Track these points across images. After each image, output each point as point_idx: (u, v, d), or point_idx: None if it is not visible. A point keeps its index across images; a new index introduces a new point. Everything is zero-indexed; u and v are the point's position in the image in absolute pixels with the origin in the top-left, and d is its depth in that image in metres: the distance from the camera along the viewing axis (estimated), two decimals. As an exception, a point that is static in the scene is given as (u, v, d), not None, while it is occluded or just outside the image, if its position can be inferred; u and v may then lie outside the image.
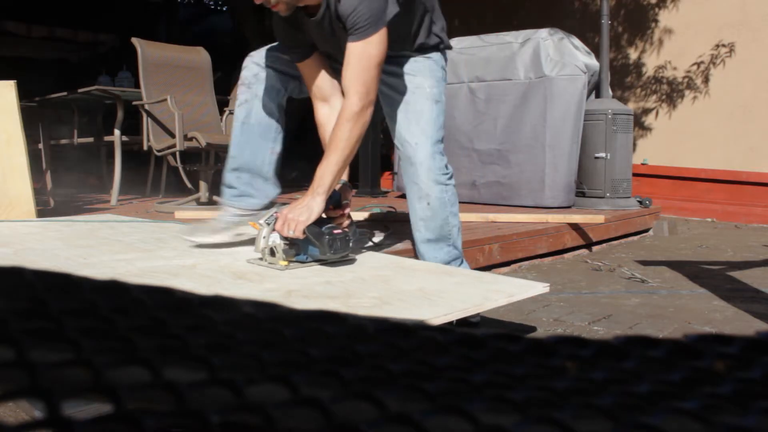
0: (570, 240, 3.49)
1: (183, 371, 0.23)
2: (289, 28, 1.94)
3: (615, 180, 4.30)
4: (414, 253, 2.32)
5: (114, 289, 0.29)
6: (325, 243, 1.75)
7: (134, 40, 3.94)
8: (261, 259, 1.83)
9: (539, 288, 1.67)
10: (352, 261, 1.89)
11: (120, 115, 4.26)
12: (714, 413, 0.22)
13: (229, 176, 2.15)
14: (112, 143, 4.31)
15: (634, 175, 4.66)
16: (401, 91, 2.03)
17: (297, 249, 1.81)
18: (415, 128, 2.00)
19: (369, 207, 3.67)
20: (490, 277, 1.89)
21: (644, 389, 0.23)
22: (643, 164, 6.10)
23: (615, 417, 0.21)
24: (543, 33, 4.41)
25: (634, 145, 6.01)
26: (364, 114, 1.80)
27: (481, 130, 4.52)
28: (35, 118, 4.36)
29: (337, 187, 1.90)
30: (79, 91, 4.40)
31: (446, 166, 2.06)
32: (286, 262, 1.78)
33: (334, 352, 0.26)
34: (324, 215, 1.84)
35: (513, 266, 3.10)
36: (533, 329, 2.08)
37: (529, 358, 0.26)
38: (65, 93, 4.66)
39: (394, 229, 2.84)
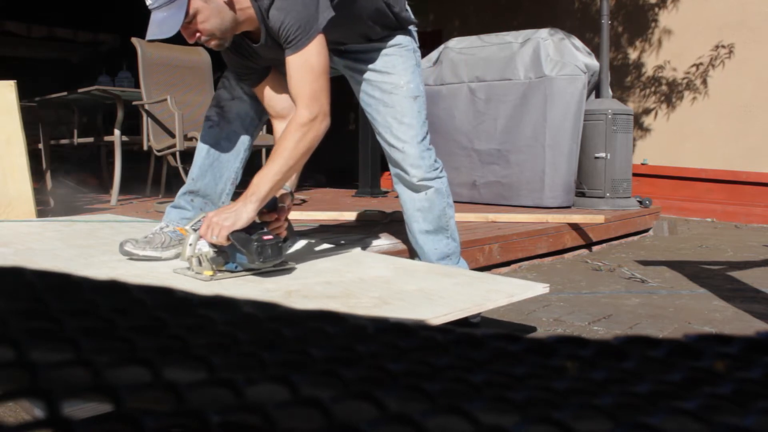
0: (570, 240, 3.49)
1: (183, 371, 0.23)
2: (238, 58, 1.91)
3: (615, 180, 4.30)
4: (409, 253, 2.32)
5: (114, 289, 0.29)
6: (252, 250, 1.62)
7: (134, 40, 3.94)
8: (188, 268, 1.72)
9: (539, 289, 1.68)
10: (289, 270, 1.78)
11: (120, 115, 4.26)
12: (714, 413, 0.22)
13: (181, 198, 2.09)
14: (112, 143, 4.31)
15: (634, 175, 4.66)
16: (378, 92, 2.02)
17: (225, 257, 1.70)
18: (400, 131, 2.01)
19: (362, 211, 3.68)
20: (490, 277, 1.89)
21: (644, 389, 0.23)
22: (643, 164, 6.10)
23: (615, 417, 0.21)
24: (543, 33, 4.41)
25: (634, 145, 6.01)
26: (314, 126, 1.72)
27: (481, 130, 4.52)
28: (35, 118, 4.36)
29: (278, 193, 1.82)
30: (79, 91, 4.40)
31: (435, 160, 2.08)
32: (211, 272, 1.68)
33: (334, 352, 0.26)
34: (258, 219, 1.74)
35: (513, 266, 3.10)
36: (533, 329, 2.08)
37: (529, 358, 0.26)
38: (65, 93, 4.66)
39: (392, 229, 2.84)
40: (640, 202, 4.43)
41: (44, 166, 4.32)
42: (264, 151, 4.72)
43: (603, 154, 4.28)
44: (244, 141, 2.09)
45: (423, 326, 0.29)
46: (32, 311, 0.26)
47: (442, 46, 4.90)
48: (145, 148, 4.06)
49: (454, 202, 4.42)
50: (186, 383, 0.22)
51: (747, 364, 0.25)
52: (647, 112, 6.66)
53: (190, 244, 1.70)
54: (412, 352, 0.26)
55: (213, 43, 1.76)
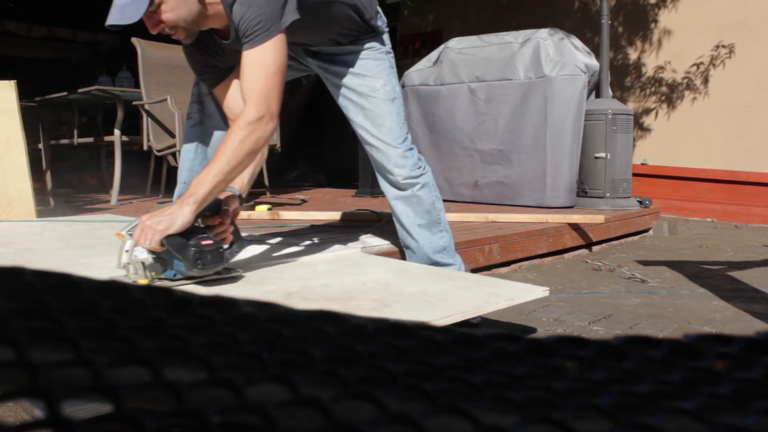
0: (570, 240, 3.49)
1: (183, 371, 0.23)
2: (203, 55, 1.87)
3: (615, 180, 4.30)
4: (400, 254, 2.32)
5: (114, 289, 0.29)
6: (189, 256, 1.53)
7: (134, 40, 3.94)
8: (126, 276, 1.60)
9: (539, 292, 1.68)
10: (236, 278, 1.71)
11: (120, 115, 4.26)
12: (714, 413, 0.22)
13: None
14: (112, 143, 4.31)
15: (634, 175, 4.66)
16: (355, 95, 2.03)
17: (164, 264, 1.60)
18: (380, 134, 2.03)
19: (357, 211, 3.68)
20: (490, 280, 1.89)
21: (644, 389, 0.23)
22: (643, 164, 6.10)
23: (615, 417, 0.21)
24: (543, 33, 4.41)
25: (634, 145, 6.01)
26: (260, 126, 1.64)
27: (483, 130, 4.53)
28: (35, 118, 4.36)
29: (222, 195, 1.74)
30: (79, 91, 4.40)
31: (419, 158, 2.10)
32: (147, 281, 1.57)
33: (334, 352, 0.26)
34: (200, 223, 1.64)
35: (513, 266, 3.10)
36: (533, 329, 2.08)
37: (529, 358, 0.26)
38: (65, 93, 4.66)
39: (388, 229, 2.83)
40: (640, 202, 4.43)
41: (44, 166, 4.32)
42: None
43: (603, 154, 4.28)
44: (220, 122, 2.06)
45: (423, 326, 0.29)
46: (32, 311, 0.26)
47: (442, 46, 4.90)
48: (145, 148, 4.06)
49: (457, 202, 4.42)
50: (186, 383, 0.22)
51: (747, 364, 0.25)
52: (647, 112, 6.66)
53: (126, 251, 1.57)
54: (412, 352, 0.26)
55: (178, 35, 1.71)
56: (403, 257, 2.32)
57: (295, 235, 2.72)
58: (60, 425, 0.19)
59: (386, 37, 2.09)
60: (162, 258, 1.58)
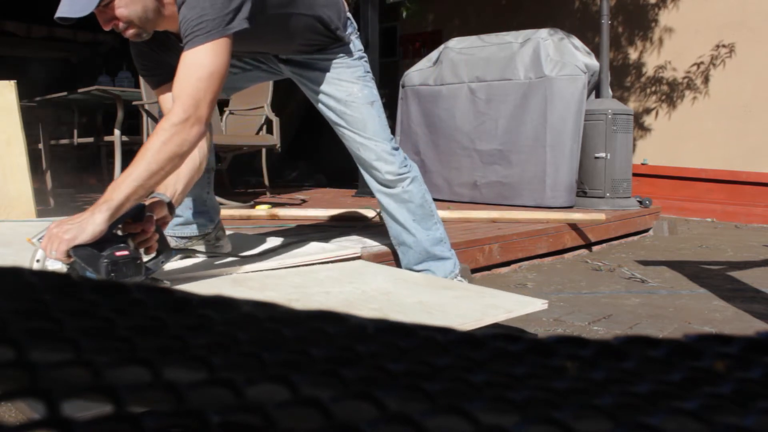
0: (570, 240, 3.49)
1: (183, 371, 0.23)
2: (155, 52, 1.80)
3: (615, 180, 4.30)
4: (393, 256, 2.32)
5: (114, 289, 0.29)
6: (101, 268, 1.41)
7: (134, 40, 3.94)
8: None
9: (538, 305, 1.68)
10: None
11: (120, 115, 4.26)
12: (714, 413, 0.22)
13: None
14: (112, 143, 4.31)
15: (634, 175, 4.66)
16: (333, 101, 2.03)
17: (77, 275, 1.50)
18: (365, 138, 2.04)
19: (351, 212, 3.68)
20: (489, 291, 1.90)
21: (644, 389, 0.23)
22: (643, 164, 6.10)
23: (615, 417, 0.21)
24: (543, 33, 4.41)
25: (634, 145, 6.01)
26: (185, 129, 1.53)
27: (482, 130, 4.53)
28: (35, 118, 4.36)
29: (148, 201, 1.63)
30: (79, 91, 4.40)
31: (405, 157, 2.12)
32: None
33: (334, 352, 0.26)
34: (120, 231, 1.52)
35: (513, 266, 3.10)
36: (533, 333, 2.08)
37: (529, 358, 0.26)
38: (65, 93, 4.66)
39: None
40: (640, 202, 4.43)
41: (44, 166, 4.32)
42: (264, 151, 4.72)
43: (603, 154, 4.28)
44: None
45: (423, 326, 0.29)
46: (32, 311, 0.26)
47: (442, 46, 4.90)
48: (145, 148, 4.05)
49: (456, 202, 4.41)
50: (186, 383, 0.22)
51: (747, 364, 0.25)
52: (647, 111, 6.66)
53: (37, 260, 1.43)
54: (412, 352, 0.26)
55: (130, 32, 1.64)
56: (395, 258, 2.32)
57: (294, 235, 2.71)
58: (60, 425, 0.19)
59: (358, 42, 2.08)
60: (75, 269, 1.43)
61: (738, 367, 0.25)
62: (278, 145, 4.34)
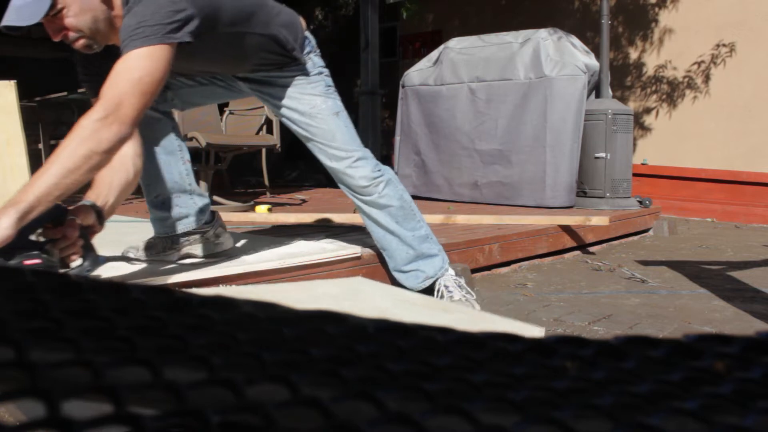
0: (570, 240, 3.49)
1: (183, 371, 0.23)
2: (97, 59, 1.74)
3: (615, 180, 4.30)
4: (378, 258, 2.32)
5: (114, 289, 0.29)
6: None
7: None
8: None
9: (536, 332, 1.68)
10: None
11: (120, 115, 4.25)
12: (714, 413, 0.22)
13: (155, 207, 2.04)
14: (112, 143, 4.30)
15: (634, 175, 4.66)
16: (298, 115, 2.02)
17: None
18: (333, 149, 2.04)
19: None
20: (489, 317, 1.89)
21: (644, 389, 0.23)
22: (643, 164, 6.10)
23: (615, 417, 0.21)
24: (543, 33, 4.41)
25: (634, 145, 6.01)
26: (103, 127, 1.45)
27: (482, 131, 4.53)
28: (35, 118, 4.36)
29: (73, 206, 1.54)
30: (79, 91, 4.40)
31: (376, 163, 2.13)
32: None
33: (334, 352, 0.26)
34: (40, 237, 1.43)
35: (513, 266, 3.10)
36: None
37: (529, 358, 0.26)
38: (65, 93, 4.66)
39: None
40: (640, 202, 4.43)
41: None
42: (264, 151, 4.72)
43: (603, 154, 4.28)
44: (162, 121, 1.98)
45: (423, 326, 0.29)
46: (32, 311, 0.26)
47: (442, 46, 4.90)
48: (145, 148, 4.05)
49: (456, 202, 4.42)
50: (186, 383, 0.22)
51: (747, 364, 0.25)
52: (647, 111, 6.66)
53: None
54: (412, 352, 0.26)
55: (80, 43, 1.60)
56: (382, 261, 2.31)
57: (294, 235, 2.71)
58: (60, 425, 0.19)
59: (318, 60, 2.07)
60: None
61: (738, 367, 0.25)
62: (278, 145, 4.34)
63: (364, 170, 2.08)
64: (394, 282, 2.34)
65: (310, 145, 2.09)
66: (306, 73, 2.01)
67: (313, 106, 2.01)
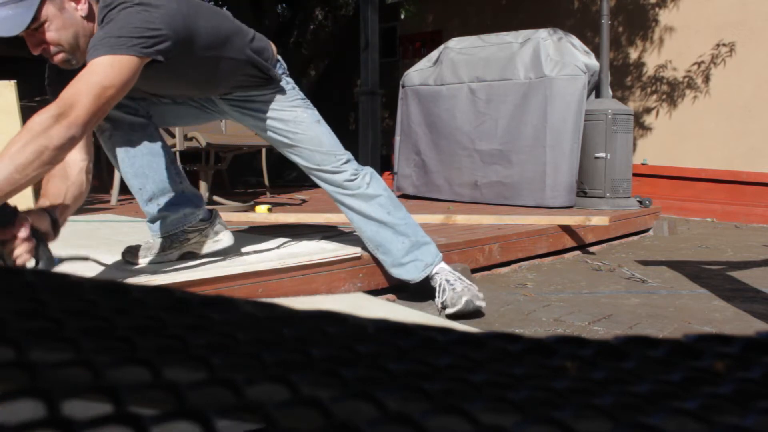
0: (570, 240, 3.49)
1: (183, 371, 0.23)
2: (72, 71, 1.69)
3: (615, 180, 4.30)
4: (369, 254, 2.32)
5: (114, 289, 0.29)
6: None
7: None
8: None
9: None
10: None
11: (120, 115, 4.25)
12: (714, 413, 0.22)
13: (148, 209, 2.03)
14: (112, 143, 4.30)
15: (634, 175, 4.66)
16: (281, 125, 2.07)
17: None
18: (322, 155, 2.11)
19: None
20: None
21: (644, 389, 0.23)
22: (643, 164, 6.10)
23: (615, 417, 0.21)
24: (543, 33, 4.41)
25: (634, 145, 6.02)
26: (54, 124, 1.42)
27: (482, 131, 4.53)
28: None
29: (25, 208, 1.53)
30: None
31: (356, 168, 2.17)
32: None
33: (334, 352, 0.26)
34: None
35: (513, 266, 3.10)
36: (533, 330, 2.08)
37: (529, 358, 0.26)
38: (65, 93, 4.64)
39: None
40: (640, 202, 4.43)
41: (44, 166, 4.31)
42: (264, 151, 4.72)
43: (603, 154, 4.28)
44: (143, 123, 1.99)
45: (423, 326, 0.29)
46: (32, 311, 0.26)
47: (442, 46, 4.90)
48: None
49: (456, 202, 4.42)
50: (186, 383, 0.22)
51: (747, 364, 0.25)
52: (647, 111, 6.66)
53: None
54: (412, 352, 0.26)
55: (59, 58, 1.60)
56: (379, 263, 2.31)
57: (294, 235, 2.71)
58: (60, 425, 0.19)
59: (289, 79, 2.14)
60: None
61: (738, 367, 0.25)
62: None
63: (350, 168, 2.15)
64: (394, 281, 2.34)
65: (294, 152, 2.13)
66: (282, 90, 2.08)
67: (296, 115, 2.08)
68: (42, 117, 1.42)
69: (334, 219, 3.35)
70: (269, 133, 2.10)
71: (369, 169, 2.21)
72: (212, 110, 2.16)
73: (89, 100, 1.47)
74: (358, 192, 2.16)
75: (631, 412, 0.22)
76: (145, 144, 1.97)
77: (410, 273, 2.21)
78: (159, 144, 2.02)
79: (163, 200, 2.02)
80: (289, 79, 2.14)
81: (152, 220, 2.06)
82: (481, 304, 2.12)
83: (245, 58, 1.92)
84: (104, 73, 1.51)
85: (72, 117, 1.44)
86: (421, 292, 2.32)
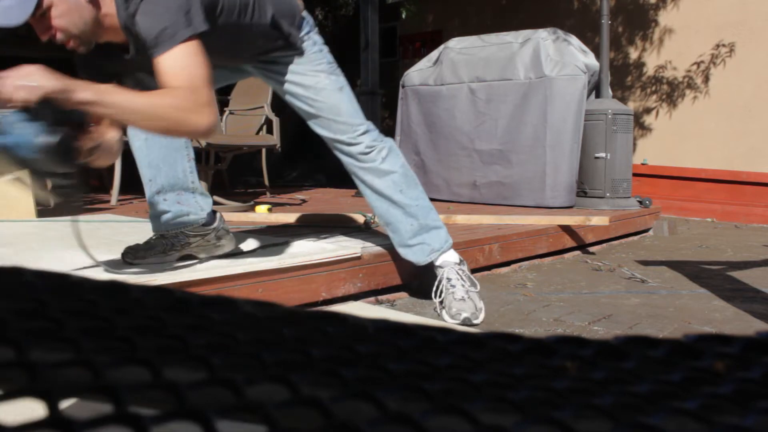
0: (570, 240, 3.49)
1: (183, 371, 0.23)
2: (97, 58, 1.78)
3: (615, 180, 4.30)
4: (392, 256, 2.31)
5: (114, 289, 0.29)
6: (57, 134, 1.28)
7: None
8: None
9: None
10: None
11: (120, 115, 4.25)
12: (714, 413, 0.22)
13: (154, 202, 2.03)
14: (112, 143, 4.30)
15: (634, 175, 4.66)
16: (302, 90, 2.05)
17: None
18: (339, 124, 2.07)
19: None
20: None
21: (644, 389, 0.23)
22: (643, 164, 6.10)
23: (615, 417, 0.21)
24: (543, 33, 4.41)
25: (634, 145, 6.01)
26: (197, 114, 1.50)
27: (482, 131, 4.53)
28: (35, 118, 4.35)
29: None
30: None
31: (378, 134, 2.14)
32: None
33: (334, 352, 0.26)
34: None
35: (513, 266, 3.10)
36: (533, 330, 2.08)
37: (529, 358, 0.26)
38: (65, 93, 4.64)
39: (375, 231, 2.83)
40: (640, 202, 4.43)
41: (44, 166, 4.31)
42: (264, 151, 4.72)
43: (603, 154, 4.28)
44: None
45: (423, 326, 0.29)
46: (32, 311, 0.26)
47: (442, 46, 4.90)
48: (145, 148, 4.05)
49: (455, 202, 4.40)
50: (186, 383, 0.22)
51: (747, 364, 0.25)
52: (647, 111, 6.66)
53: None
54: (412, 352, 0.26)
55: (69, 44, 1.62)
56: (395, 259, 2.31)
57: (294, 235, 2.71)
58: (60, 425, 0.19)
59: (317, 37, 2.09)
60: (24, 116, 1.30)
61: (738, 367, 0.25)
62: (278, 145, 4.34)
63: (367, 139, 2.11)
64: (394, 281, 2.34)
65: (314, 122, 2.10)
66: (308, 52, 2.04)
67: (317, 81, 2.04)
68: (192, 100, 1.49)
69: (334, 219, 3.35)
70: (289, 98, 2.08)
71: (389, 143, 2.16)
72: (241, 69, 2.14)
73: (202, 83, 1.53)
74: (372, 166, 2.12)
75: (631, 412, 0.22)
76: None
77: (416, 255, 2.20)
78: (182, 140, 2.02)
79: (170, 196, 2.02)
80: (317, 38, 2.08)
81: (155, 214, 2.05)
82: (480, 318, 2.10)
83: (268, 20, 1.90)
84: (189, 63, 1.54)
85: (204, 102, 1.51)
86: (422, 291, 2.32)
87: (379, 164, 2.13)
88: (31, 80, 1.34)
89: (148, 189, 2.03)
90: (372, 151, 2.11)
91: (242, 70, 2.17)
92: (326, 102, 2.05)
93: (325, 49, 2.11)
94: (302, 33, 2.03)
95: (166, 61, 1.56)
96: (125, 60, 1.77)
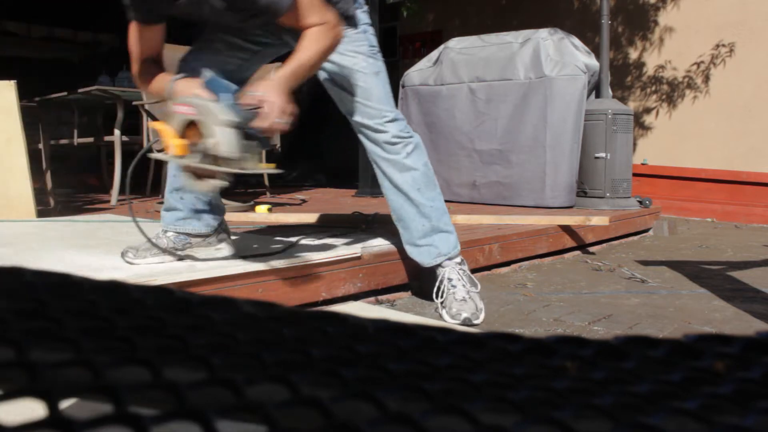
0: (570, 240, 3.49)
1: (183, 371, 0.23)
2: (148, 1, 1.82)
3: (615, 180, 4.30)
4: (392, 257, 2.31)
5: (114, 289, 0.29)
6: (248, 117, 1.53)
7: (134, 40, 3.93)
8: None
9: None
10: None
11: (120, 115, 4.26)
12: (714, 413, 0.22)
13: (170, 197, 2.05)
14: (112, 143, 4.31)
15: (634, 175, 4.66)
16: (338, 69, 2.04)
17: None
18: (368, 108, 2.06)
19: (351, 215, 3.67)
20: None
21: (644, 389, 0.23)
22: (643, 164, 6.10)
23: (615, 417, 0.21)
24: (543, 33, 4.41)
25: (634, 145, 6.01)
26: (334, 30, 1.75)
27: (482, 131, 4.53)
28: (35, 118, 4.36)
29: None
30: (79, 91, 4.39)
31: (407, 127, 2.13)
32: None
33: (334, 352, 0.26)
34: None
35: (513, 266, 3.10)
36: (533, 330, 2.08)
37: (529, 358, 0.26)
38: (65, 93, 4.65)
39: (388, 228, 2.83)
40: (640, 202, 4.43)
41: (44, 166, 4.32)
42: (264, 151, 4.71)
43: (603, 154, 4.28)
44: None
45: (423, 326, 0.29)
46: (32, 311, 0.26)
47: (442, 46, 4.90)
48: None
49: (454, 202, 4.41)
50: (186, 383, 0.22)
51: (747, 364, 0.25)
52: (647, 111, 6.66)
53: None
54: (412, 352, 0.26)
55: None
56: (390, 259, 2.31)
57: (294, 235, 2.71)
58: (60, 425, 0.19)
59: (364, 16, 2.08)
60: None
61: (738, 367, 0.25)
62: (278, 145, 4.34)
63: (395, 129, 2.09)
64: (394, 281, 2.34)
65: (344, 104, 2.09)
66: (350, 32, 2.02)
67: (355, 63, 2.03)
68: (323, 26, 1.71)
69: (334, 219, 3.35)
70: (323, 76, 2.07)
71: (416, 139, 2.15)
72: (282, 43, 2.12)
73: (331, 16, 1.73)
74: (395, 158, 2.11)
75: (631, 412, 0.22)
76: None
77: (422, 256, 2.20)
78: None
79: (188, 197, 2.02)
80: (364, 17, 2.08)
81: (167, 209, 2.06)
82: (480, 318, 2.10)
83: None
84: (309, 5, 1.69)
85: (341, 29, 1.77)
86: (422, 291, 2.32)
87: (403, 158, 2.11)
88: (285, 119, 1.61)
89: (170, 183, 2.05)
90: (399, 143, 2.09)
91: (288, 44, 2.12)
92: (359, 85, 2.04)
93: (370, 30, 2.09)
94: (352, 6, 2.02)
95: (295, 17, 1.70)
96: (176, 3, 1.80)
